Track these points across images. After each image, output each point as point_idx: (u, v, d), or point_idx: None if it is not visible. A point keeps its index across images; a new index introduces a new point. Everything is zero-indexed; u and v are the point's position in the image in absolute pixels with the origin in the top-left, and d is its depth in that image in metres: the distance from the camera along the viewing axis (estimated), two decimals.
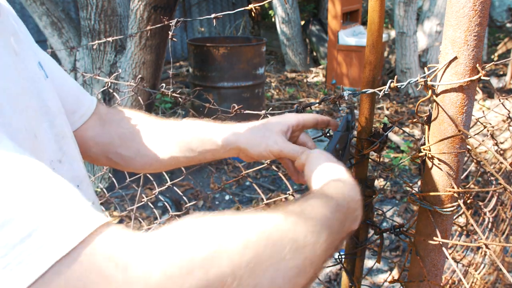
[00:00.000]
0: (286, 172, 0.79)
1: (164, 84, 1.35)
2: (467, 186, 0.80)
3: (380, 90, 0.75)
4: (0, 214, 0.31)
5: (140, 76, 1.45)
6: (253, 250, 0.37)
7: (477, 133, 0.80)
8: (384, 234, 0.84)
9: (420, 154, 0.71)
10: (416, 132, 4.56)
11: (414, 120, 0.73)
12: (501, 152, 1.62)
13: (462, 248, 1.58)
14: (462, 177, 0.72)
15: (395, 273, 2.42)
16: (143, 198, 1.65)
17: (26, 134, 0.51)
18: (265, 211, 0.43)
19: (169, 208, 2.05)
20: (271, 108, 1.02)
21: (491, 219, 1.41)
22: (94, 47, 3.02)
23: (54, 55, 1.90)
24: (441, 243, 0.72)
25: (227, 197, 3.31)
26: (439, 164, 0.69)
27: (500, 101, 0.92)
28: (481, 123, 0.86)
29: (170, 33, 1.30)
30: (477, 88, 0.66)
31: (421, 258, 0.76)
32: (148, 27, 2.58)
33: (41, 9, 3.20)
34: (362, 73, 0.81)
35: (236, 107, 1.01)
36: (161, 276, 0.32)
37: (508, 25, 7.18)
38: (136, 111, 0.86)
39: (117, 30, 3.10)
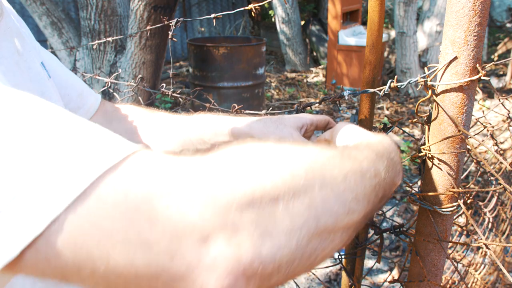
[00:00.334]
0: None
1: (164, 84, 1.35)
2: (467, 186, 0.80)
3: (380, 90, 0.75)
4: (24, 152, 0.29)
5: (140, 76, 1.45)
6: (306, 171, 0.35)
7: (477, 133, 0.80)
8: (384, 234, 0.84)
9: (420, 154, 0.71)
10: (416, 132, 4.56)
11: (414, 120, 0.73)
12: (501, 152, 1.62)
13: (462, 248, 1.58)
14: (462, 177, 0.72)
15: (395, 273, 2.42)
16: None
17: None
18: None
19: None
20: (271, 108, 1.02)
21: (491, 219, 1.40)
22: (94, 47, 3.02)
23: (54, 55, 1.90)
24: (441, 243, 0.72)
25: None
26: (439, 164, 0.69)
27: (499, 101, 0.92)
28: (481, 123, 0.86)
29: (170, 33, 1.30)
30: (477, 88, 0.66)
31: (421, 258, 0.76)
32: (148, 27, 2.58)
33: (41, 9, 3.20)
34: (362, 73, 0.81)
35: (236, 107, 1.01)
36: (203, 211, 0.30)
37: (508, 25, 7.18)
38: (145, 107, 0.83)
39: (117, 30, 3.10)
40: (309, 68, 7.54)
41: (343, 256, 0.91)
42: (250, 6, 1.04)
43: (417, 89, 0.69)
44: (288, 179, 0.33)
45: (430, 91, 0.66)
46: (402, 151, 4.00)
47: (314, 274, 1.09)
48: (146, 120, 0.80)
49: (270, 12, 9.80)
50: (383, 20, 0.76)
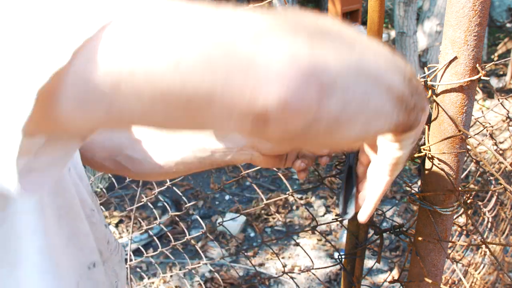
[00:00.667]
0: (286, 172, 0.78)
1: None
2: (467, 186, 0.80)
3: None
4: None
5: None
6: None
7: (477, 133, 0.80)
8: (384, 234, 0.84)
9: (420, 154, 0.71)
10: None
11: None
12: (501, 152, 1.62)
13: (462, 248, 1.58)
14: (462, 177, 0.72)
15: (395, 273, 2.42)
16: (143, 198, 1.65)
17: None
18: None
19: (169, 208, 2.05)
20: None
21: (490, 219, 1.41)
22: None
23: None
24: (441, 243, 0.72)
25: (227, 197, 3.31)
26: (439, 164, 0.69)
27: (498, 100, 0.92)
28: (480, 123, 0.86)
29: None
30: (477, 88, 0.66)
31: (421, 258, 0.76)
32: None
33: None
34: None
35: None
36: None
37: (508, 25, 7.19)
38: None
39: None
40: None
41: (343, 256, 0.91)
42: (250, 6, 1.04)
43: None
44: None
45: (430, 91, 0.66)
46: None
47: (314, 274, 1.09)
48: (147, 128, 0.80)
49: None
50: (383, 20, 0.76)
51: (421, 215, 0.75)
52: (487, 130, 0.82)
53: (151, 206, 1.89)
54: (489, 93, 5.51)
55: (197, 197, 3.30)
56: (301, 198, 3.25)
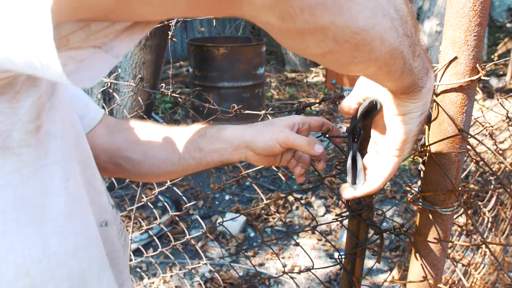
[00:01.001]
0: (286, 172, 0.79)
1: (164, 84, 1.35)
2: (467, 186, 0.80)
3: None
4: None
5: (140, 76, 1.45)
6: None
7: (477, 133, 0.80)
8: (384, 234, 0.84)
9: (420, 154, 0.71)
10: None
11: None
12: (501, 152, 1.62)
13: (462, 248, 1.58)
14: (462, 177, 0.72)
15: (395, 273, 2.42)
16: (143, 198, 1.65)
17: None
18: None
19: (169, 208, 2.05)
20: (271, 108, 1.02)
21: (490, 219, 1.41)
22: None
23: None
24: (441, 243, 0.72)
25: (227, 197, 3.31)
26: (439, 164, 0.69)
27: (498, 100, 0.92)
28: (480, 123, 0.86)
29: (170, 33, 1.30)
30: (477, 88, 0.66)
31: (421, 258, 0.76)
32: None
33: None
34: None
35: (236, 107, 1.01)
36: None
37: (508, 25, 7.19)
38: (144, 121, 0.86)
39: None
40: (309, 68, 7.54)
41: (343, 256, 0.91)
42: None
43: None
44: None
45: None
46: None
47: (314, 274, 1.09)
48: (145, 132, 0.83)
49: None
50: None
51: (421, 215, 0.75)
52: (487, 130, 0.82)
53: (151, 206, 1.89)
54: (489, 93, 5.51)
55: (197, 197, 3.30)
56: (301, 198, 3.25)
